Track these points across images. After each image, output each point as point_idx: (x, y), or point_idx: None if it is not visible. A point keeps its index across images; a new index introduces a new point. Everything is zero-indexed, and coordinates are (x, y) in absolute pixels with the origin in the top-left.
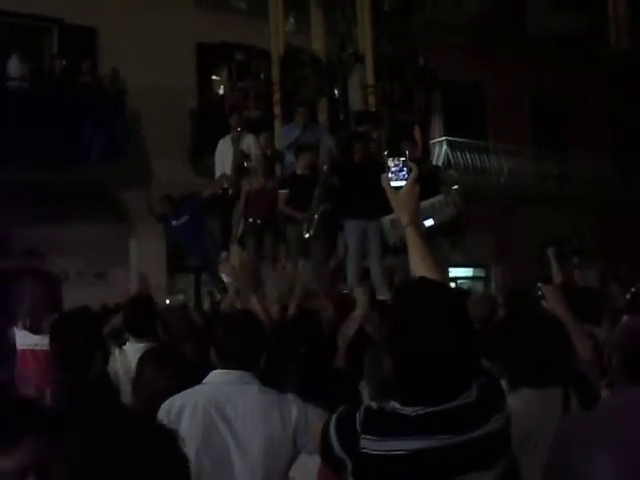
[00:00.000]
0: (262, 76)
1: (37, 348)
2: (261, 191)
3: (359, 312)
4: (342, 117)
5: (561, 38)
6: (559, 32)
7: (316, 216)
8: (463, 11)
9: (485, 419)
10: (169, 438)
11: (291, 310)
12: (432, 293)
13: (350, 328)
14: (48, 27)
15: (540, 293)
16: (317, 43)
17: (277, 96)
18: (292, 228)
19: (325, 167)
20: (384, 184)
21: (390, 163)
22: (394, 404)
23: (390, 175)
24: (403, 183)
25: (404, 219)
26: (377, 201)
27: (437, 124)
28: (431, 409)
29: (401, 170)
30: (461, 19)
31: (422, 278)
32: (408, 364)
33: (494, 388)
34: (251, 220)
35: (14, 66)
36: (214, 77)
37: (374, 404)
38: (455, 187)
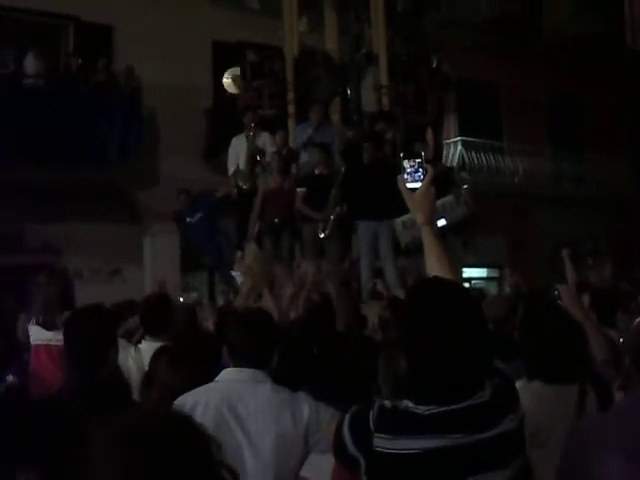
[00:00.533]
0: (276, 75)
1: (51, 343)
2: (278, 190)
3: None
4: (355, 117)
5: (577, 38)
6: (575, 32)
7: (332, 217)
8: (479, 11)
9: (499, 419)
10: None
11: (299, 310)
12: (446, 292)
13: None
14: (64, 25)
15: (556, 293)
16: (330, 43)
17: (291, 95)
18: (308, 227)
19: (342, 168)
20: (400, 185)
21: (406, 164)
22: (407, 403)
23: (406, 176)
24: (419, 184)
25: (419, 219)
26: (389, 202)
27: (452, 124)
28: (444, 408)
29: (417, 171)
30: (477, 19)
31: (436, 277)
32: (422, 363)
33: (508, 388)
34: (268, 219)
35: (30, 63)
36: (224, 79)
37: (388, 403)
38: (465, 187)
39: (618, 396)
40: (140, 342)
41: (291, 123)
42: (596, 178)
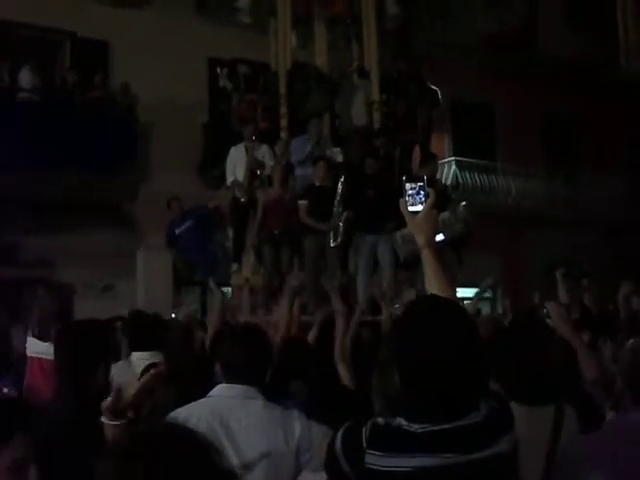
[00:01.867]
0: (269, 89)
1: (43, 357)
2: (279, 201)
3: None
4: (343, 133)
5: (572, 60)
6: (571, 54)
7: (341, 223)
8: (475, 31)
9: (492, 440)
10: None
11: (293, 329)
12: (443, 310)
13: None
14: (61, 40)
15: (545, 311)
16: (320, 58)
17: (284, 109)
18: (310, 240)
19: (342, 178)
20: (401, 208)
21: (407, 187)
22: (401, 420)
23: (407, 199)
24: (420, 207)
25: (420, 242)
26: (389, 215)
27: (446, 144)
28: (438, 427)
29: (418, 194)
30: (473, 39)
31: (433, 295)
32: (416, 380)
33: (503, 410)
34: (268, 230)
35: (26, 78)
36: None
37: (381, 420)
38: (463, 203)
39: (610, 416)
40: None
41: (284, 136)
42: (590, 199)
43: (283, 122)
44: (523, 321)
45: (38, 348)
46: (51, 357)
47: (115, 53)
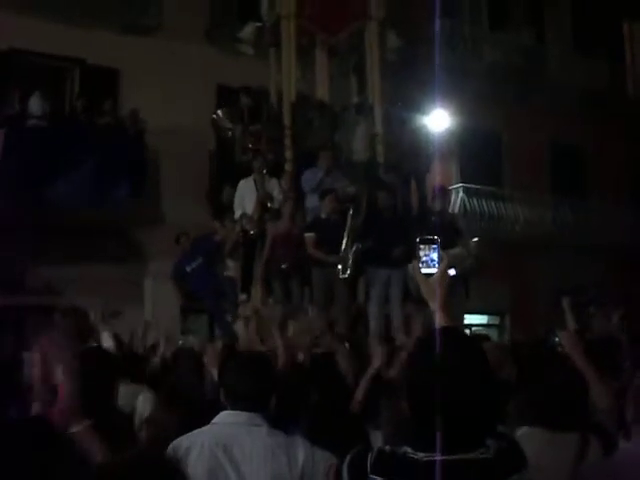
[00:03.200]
0: (274, 120)
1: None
2: (287, 234)
3: (376, 364)
4: (346, 165)
5: (580, 87)
6: (578, 81)
7: (351, 256)
8: (482, 58)
9: (500, 478)
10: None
11: (303, 357)
12: (455, 342)
13: (366, 379)
14: (70, 67)
15: (557, 340)
16: (321, 89)
17: (288, 140)
18: (318, 272)
19: (351, 211)
20: (414, 271)
21: (420, 251)
22: (406, 448)
23: (421, 262)
24: (434, 270)
25: (433, 306)
26: (402, 249)
27: (454, 171)
28: (444, 457)
29: (432, 257)
30: (481, 66)
31: (446, 328)
32: (424, 409)
33: (514, 450)
34: (277, 264)
35: (36, 105)
36: (216, 115)
37: (388, 447)
38: (475, 239)
39: (622, 445)
40: None
41: (288, 168)
42: (598, 226)
43: (288, 154)
44: (544, 351)
45: None
46: None
47: (124, 80)
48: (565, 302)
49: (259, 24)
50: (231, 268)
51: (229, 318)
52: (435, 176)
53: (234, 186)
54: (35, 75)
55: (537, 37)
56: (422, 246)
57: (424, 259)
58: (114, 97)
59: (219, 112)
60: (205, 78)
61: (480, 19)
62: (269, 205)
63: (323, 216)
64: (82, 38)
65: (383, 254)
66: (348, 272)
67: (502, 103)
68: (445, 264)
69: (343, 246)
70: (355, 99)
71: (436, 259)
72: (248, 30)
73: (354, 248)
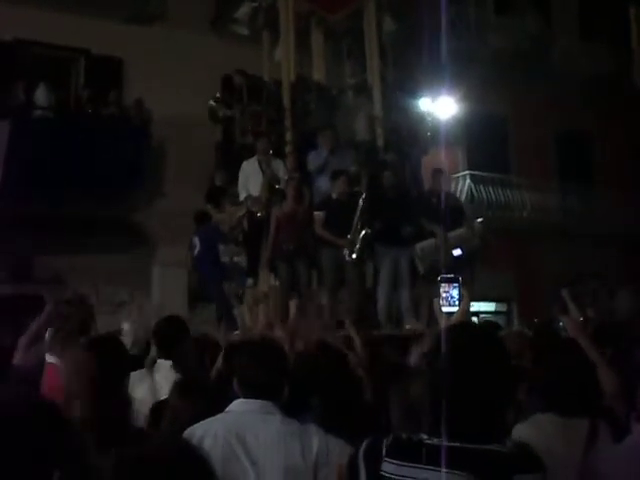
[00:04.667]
0: (274, 101)
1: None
2: (292, 216)
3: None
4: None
5: (586, 74)
6: (584, 68)
7: (360, 238)
8: (489, 44)
9: (510, 474)
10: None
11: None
12: (474, 334)
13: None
14: (75, 58)
15: (561, 325)
16: (318, 72)
17: (288, 122)
18: (327, 254)
19: (364, 195)
20: (435, 309)
21: (441, 288)
22: (423, 435)
23: (442, 300)
24: (455, 309)
25: None
26: (410, 228)
27: (461, 158)
28: (457, 444)
29: (453, 295)
30: (487, 52)
31: (466, 322)
32: (443, 399)
33: (530, 453)
34: (282, 246)
35: (41, 96)
36: (211, 102)
37: (405, 434)
38: (479, 220)
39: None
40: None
41: (289, 150)
42: (605, 213)
43: (288, 135)
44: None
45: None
46: None
47: (129, 70)
48: (564, 293)
49: (255, 4)
50: (236, 252)
51: (235, 304)
52: (435, 160)
53: (228, 169)
54: (40, 66)
55: (543, 23)
56: (443, 284)
57: (445, 296)
58: (119, 87)
59: (213, 100)
60: (210, 67)
61: (485, 4)
62: (277, 186)
63: (334, 196)
64: (86, 28)
65: (391, 233)
66: (354, 255)
67: (508, 89)
68: (465, 304)
69: (353, 228)
70: (352, 81)
71: (456, 296)
72: (243, 10)
73: (363, 232)
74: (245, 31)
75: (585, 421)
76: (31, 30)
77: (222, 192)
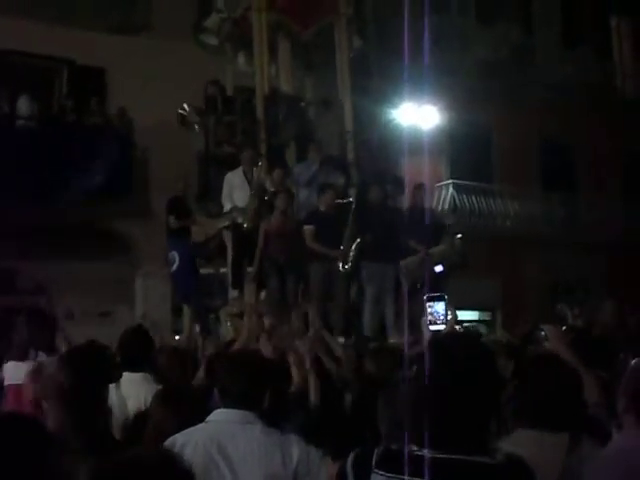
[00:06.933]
0: (248, 112)
1: (20, 383)
2: (281, 228)
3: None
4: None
5: (569, 82)
6: (567, 76)
7: (353, 249)
8: (472, 53)
9: None
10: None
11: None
12: (464, 346)
13: None
14: (58, 67)
15: (543, 334)
16: (285, 85)
17: (263, 134)
18: (317, 267)
19: (353, 205)
20: (423, 328)
21: (428, 307)
22: (412, 446)
23: (429, 318)
24: (442, 327)
25: None
26: (395, 244)
27: (444, 167)
28: (445, 455)
29: (438, 312)
30: (470, 61)
31: (455, 332)
32: (430, 407)
33: (522, 466)
34: (271, 258)
35: (24, 105)
36: (180, 111)
37: (395, 446)
38: (459, 236)
39: (615, 436)
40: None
41: (263, 163)
42: (588, 220)
43: (262, 147)
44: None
45: (17, 374)
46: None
47: (112, 79)
48: (560, 308)
49: (223, 15)
50: (218, 264)
51: (217, 316)
52: (418, 169)
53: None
54: (23, 75)
55: (526, 32)
56: (430, 303)
57: (432, 314)
58: (102, 96)
59: (185, 106)
60: (193, 76)
61: (468, 14)
62: (265, 198)
63: (322, 209)
64: (70, 38)
65: (378, 248)
66: (348, 266)
67: (491, 99)
68: (453, 322)
69: (345, 239)
70: (321, 95)
71: (442, 312)
72: (213, 20)
73: (356, 242)
74: (214, 41)
75: (565, 435)
76: (14, 40)
77: (182, 203)
